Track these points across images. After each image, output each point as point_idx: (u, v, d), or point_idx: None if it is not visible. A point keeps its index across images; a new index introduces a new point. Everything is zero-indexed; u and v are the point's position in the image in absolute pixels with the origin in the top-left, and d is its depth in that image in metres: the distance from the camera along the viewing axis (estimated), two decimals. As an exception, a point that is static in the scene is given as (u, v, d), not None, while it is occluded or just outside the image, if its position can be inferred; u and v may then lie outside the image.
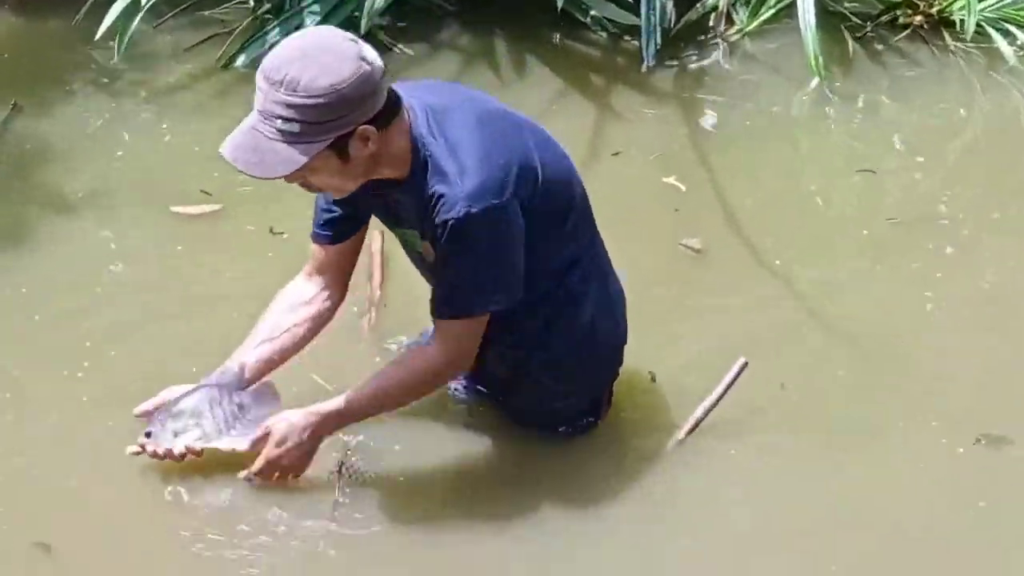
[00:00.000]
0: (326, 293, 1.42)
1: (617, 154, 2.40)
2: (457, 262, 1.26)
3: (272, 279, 1.65)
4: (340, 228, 1.39)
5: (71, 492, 1.47)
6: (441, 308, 1.32)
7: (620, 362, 1.51)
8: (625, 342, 1.49)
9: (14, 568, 1.37)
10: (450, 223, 1.18)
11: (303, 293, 1.43)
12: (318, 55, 1.12)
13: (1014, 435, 1.60)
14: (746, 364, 1.54)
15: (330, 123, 1.10)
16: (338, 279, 1.45)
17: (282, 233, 1.97)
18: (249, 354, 1.43)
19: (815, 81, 2.63)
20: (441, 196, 1.19)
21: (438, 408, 1.65)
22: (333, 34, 1.18)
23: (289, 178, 1.18)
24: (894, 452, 1.62)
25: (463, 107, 1.28)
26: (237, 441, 1.39)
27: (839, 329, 1.85)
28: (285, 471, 1.38)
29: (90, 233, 2.07)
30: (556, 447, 1.59)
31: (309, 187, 1.25)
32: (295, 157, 1.11)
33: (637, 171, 2.40)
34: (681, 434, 1.54)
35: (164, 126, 2.43)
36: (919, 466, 1.58)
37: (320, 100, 1.08)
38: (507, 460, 1.61)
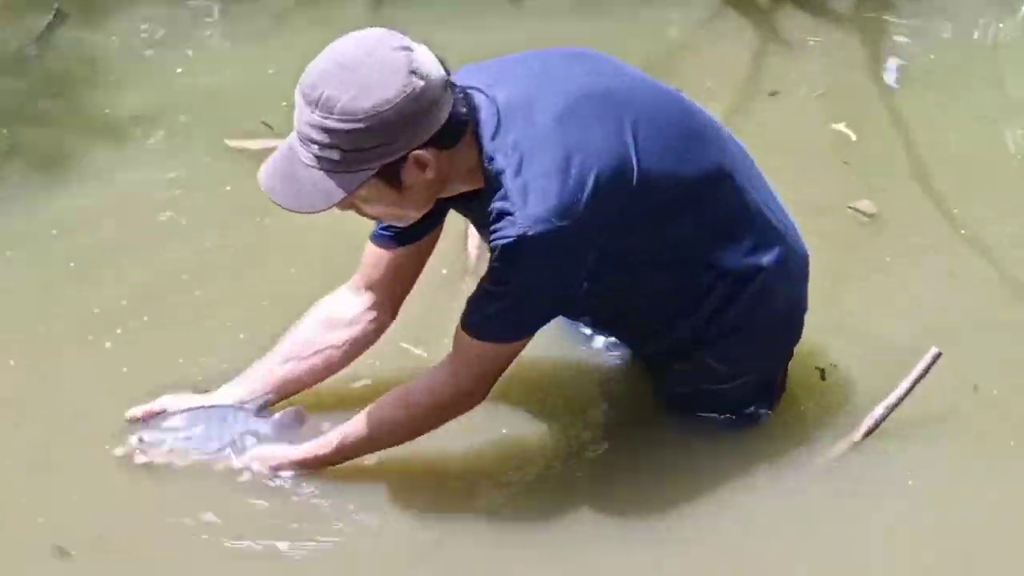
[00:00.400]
0: (373, 314, 1.34)
1: (775, 94, 2.23)
2: (502, 284, 1.18)
3: (331, 234, 1.56)
4: (408, 229, 1.27)
5: (95, 487, 1.38)
6: (471, 323, 1.22)
7: (798, 336, 1.41)
8: (805, 309, 1.39)
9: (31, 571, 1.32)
10: (502, 245, 1.11)
11: (346, 309, 1.35)
12: (360, 69, 1.01)
13: None
14: (939, 355, 1.44)
15: (374, 150, 1.01)
16: (390, 296, 1.35)
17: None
18: (275, 370, 1.35)
19: None
20: (500, 216, 1.11)
21: (586, 375, 1.57)
22: (382, 41, 1.05)
23: (339, 206, 1.09)
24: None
25: (547, 97, 1.15)
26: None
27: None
28: None
29: (136, 168, 1.98)
30: (710, 439, 1.49)
31: (365, 216, 1.17)
32: (334, 189, 1.03)
33: (800, 113, 2.24)
34: (858, 435, 1.43)
35: (233, 42, 2.36)
36: None
37: (360, 125, 0.98)
38: (653, 449, 1.48)
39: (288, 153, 1.07)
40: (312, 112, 1.00)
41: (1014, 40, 2.54)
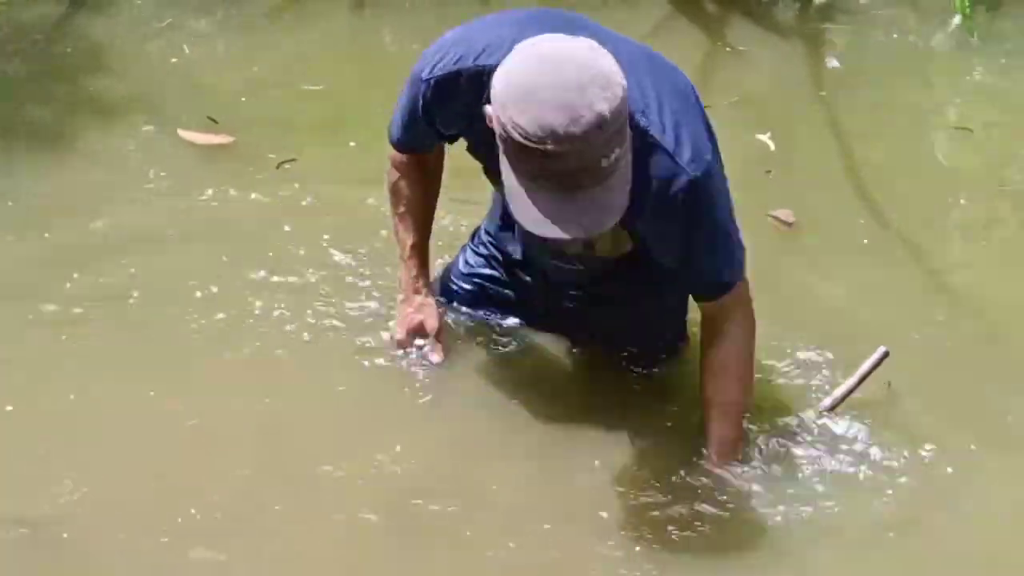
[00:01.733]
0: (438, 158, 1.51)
1: (708, 108, 2.10)
2: (711, 226, 1.28)
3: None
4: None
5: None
6: (725, 279, 1.33)
7: None
8: None
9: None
10: (683, 197, 1.20)
11: (424, 164, 1.49)
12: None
13: None
14: (887, 354, 1.52)
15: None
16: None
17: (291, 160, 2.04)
18: (424, 247, 1.54)
19: (956, 20, 2.59)
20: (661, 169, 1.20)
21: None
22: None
23: None
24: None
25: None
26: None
27: (957, 319, 1.77)
28: None
29: (113, 152, 2.11)
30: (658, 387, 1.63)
31: None
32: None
33: (726, 122, 1.99)
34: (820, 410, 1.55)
35: (226, 37, 2.49)
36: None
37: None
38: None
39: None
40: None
41: (940, 52, 2.66)
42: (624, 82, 1.04)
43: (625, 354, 1.67)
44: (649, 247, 1.38)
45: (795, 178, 2.19)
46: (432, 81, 1.26)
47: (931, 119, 2.51)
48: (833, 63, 2.58)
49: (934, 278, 1.88)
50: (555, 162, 1.03)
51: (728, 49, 2.58)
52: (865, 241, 1.94)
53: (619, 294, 1.57)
